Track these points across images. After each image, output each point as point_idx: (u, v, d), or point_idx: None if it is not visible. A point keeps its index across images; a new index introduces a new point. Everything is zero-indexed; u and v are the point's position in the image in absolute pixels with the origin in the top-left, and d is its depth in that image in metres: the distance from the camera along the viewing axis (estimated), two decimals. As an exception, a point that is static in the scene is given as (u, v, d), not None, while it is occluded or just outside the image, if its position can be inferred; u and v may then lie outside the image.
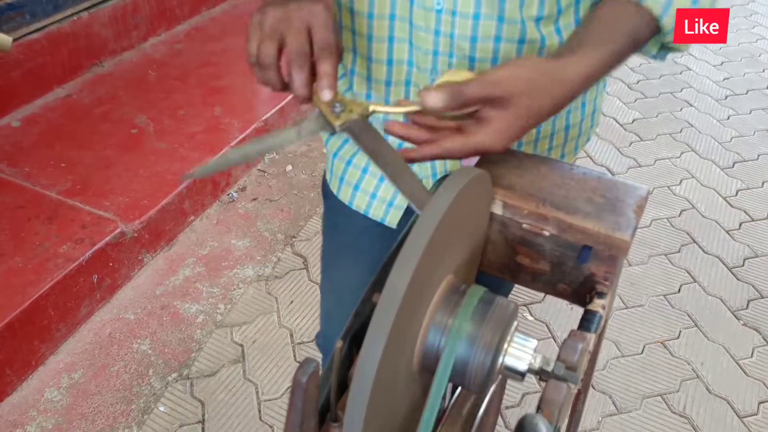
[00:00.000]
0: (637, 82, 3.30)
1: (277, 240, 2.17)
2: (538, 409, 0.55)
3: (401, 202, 0.97)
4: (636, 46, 0.75)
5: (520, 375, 0.58)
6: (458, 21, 0.81)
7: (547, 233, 0.72)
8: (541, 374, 0.57)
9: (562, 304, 2.04)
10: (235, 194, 2.32)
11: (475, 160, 0.78)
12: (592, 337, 0.67)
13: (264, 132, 2.47)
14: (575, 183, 0.74)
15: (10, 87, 2.26)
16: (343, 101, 0.68)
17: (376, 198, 0.99)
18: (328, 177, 1.07)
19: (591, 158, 2.73)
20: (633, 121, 3.00)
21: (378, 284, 0.58)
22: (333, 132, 0.68)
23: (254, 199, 2.32)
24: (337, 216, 1.07)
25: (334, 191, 1.03)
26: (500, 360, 0.57)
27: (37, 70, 2.33)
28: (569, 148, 1.03)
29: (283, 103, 2.55)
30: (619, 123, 2.97)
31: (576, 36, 0.74)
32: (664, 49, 0.82)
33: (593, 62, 0.70)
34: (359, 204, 1.01)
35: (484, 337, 0.56)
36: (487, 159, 0.77)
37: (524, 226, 0.72)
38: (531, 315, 2.03)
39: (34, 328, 1.68)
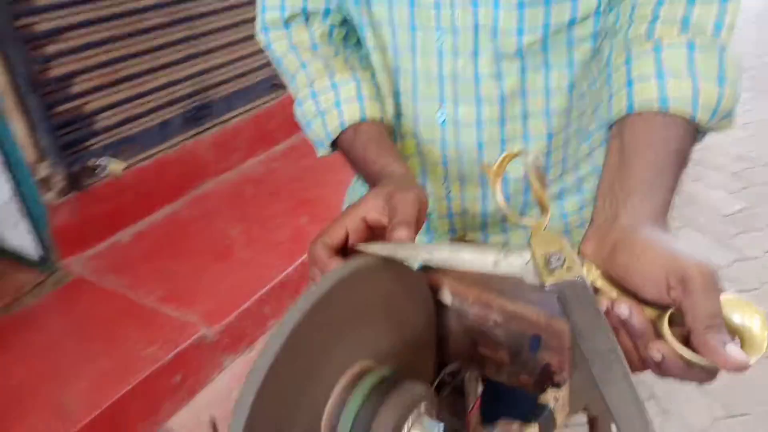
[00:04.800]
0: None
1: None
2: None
3: None
4: (687, 155, 0.66)
5: (426, 463, 0.57)
6: (462, 130, 0.83)
7: (491, 322, 0.71)
8: (447, 462, 0.56)
9: (652, 412, 1.88)
10: (315, 299, 2.41)
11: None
12: (534, 428, 0.65)
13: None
14: (528, 270, 0.73)
15: (123, 207, 2.55)
16: (561, 253, 0.57)
17: None
18: None
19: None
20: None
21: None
22: (540, 288, 0.58)
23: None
24: None
25: None
26: (400, 445, 0.57)
27: (146, 192, 2.62)
28: None
29: (365, 210, 2.66)
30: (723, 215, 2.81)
31: (622, 177, 0.63)
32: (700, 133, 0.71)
33: (657, 207, 0.60)
34: None
35: (380, 419, 0.56)
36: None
37: (470, 314, 0.72)
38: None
39: (118, 426, 1.81)
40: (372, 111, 0.84)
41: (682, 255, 0.52)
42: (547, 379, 0.71)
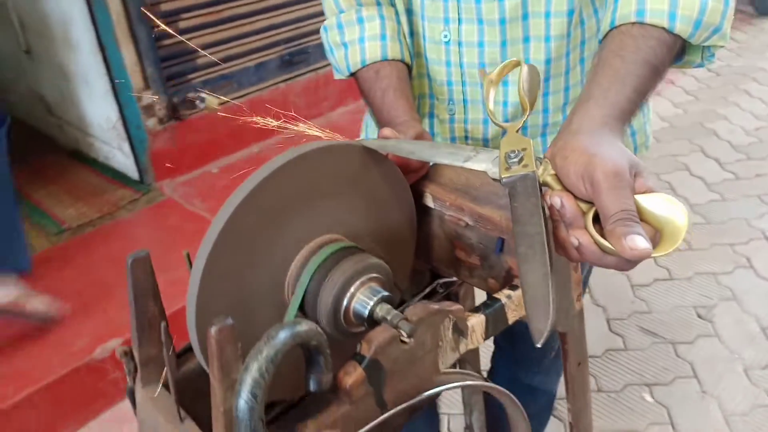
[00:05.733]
0: None
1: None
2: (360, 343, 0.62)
3: None
4: (659, 67, 0.69)
5: (366, 321, 0.65)
6: (465, 50, 0.90)
7: (463, 224, 0.77)
8: (382, 321, 0.64)
9: (691, 390, 1.86)
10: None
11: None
12: (480, 318, 0.71)
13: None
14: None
15: (216, 141, 2.75)
16: (523, 152, 0.63)
17: None
18: None
19: None
20: None
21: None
22: (498, 180, 0.63)
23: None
24: None
25: None
26: (345, 301, 0.65)
27: (238, 129, 2.80)
28: None
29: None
30: None
31: (587, 86, 0.69)
32: (706, 52, 0.76)
33: (607, 110, 0.65)
34: None
35: (331, 278, 0.65)
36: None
37: (446, 216, 0.79)
38: (651, 396, 1.87)
39: (182, 329, 2.00)
40: (393, 51, 0.91)
41: (596, 158, 0.57)
42: (509, 283, 0.77)
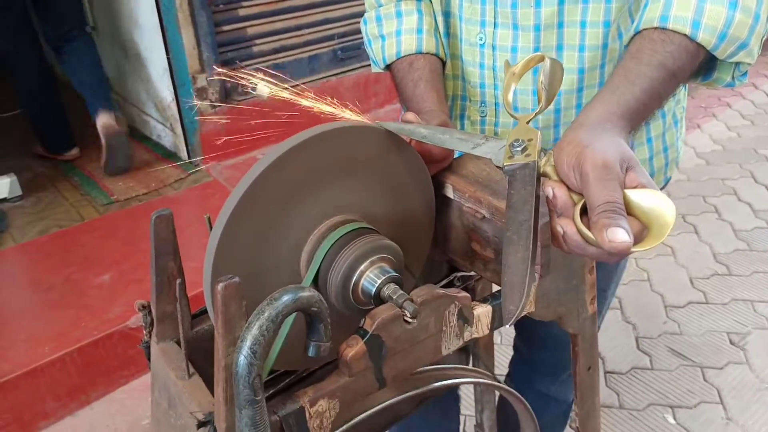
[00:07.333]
0: None
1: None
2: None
3: None
4: (676, 73, 0.69)
5: (374, 298, 0.68)
6: (498, 54, 0.91)
7: (480, 216, 0.79)
8: (388, 300, 0.66)
9: (716, 416, 1.82)
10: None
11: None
12: (487, 308, 0.73)
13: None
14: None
15: (264, 128, 2.81)
16: (528, 143, 0.63)
17: None
18: None
19: None
20: None
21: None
22: (500, 168, 0.65)
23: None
24: None
25: None
26: (355, 278, 0.67)
27: (286, 118, 2.86)
28: None
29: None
30: None
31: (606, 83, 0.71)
32: (737, 71, 0.75)
33: (612, 107, 0.66)
34: None
35: (345, 256, 0.68)
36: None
37: (464, 208, 0.81)
38: (674, 418, 1.84)
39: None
40: (428, 45, 0.93)
41: (587, 149, 0.58)
42: (521, 279, 0.78)
